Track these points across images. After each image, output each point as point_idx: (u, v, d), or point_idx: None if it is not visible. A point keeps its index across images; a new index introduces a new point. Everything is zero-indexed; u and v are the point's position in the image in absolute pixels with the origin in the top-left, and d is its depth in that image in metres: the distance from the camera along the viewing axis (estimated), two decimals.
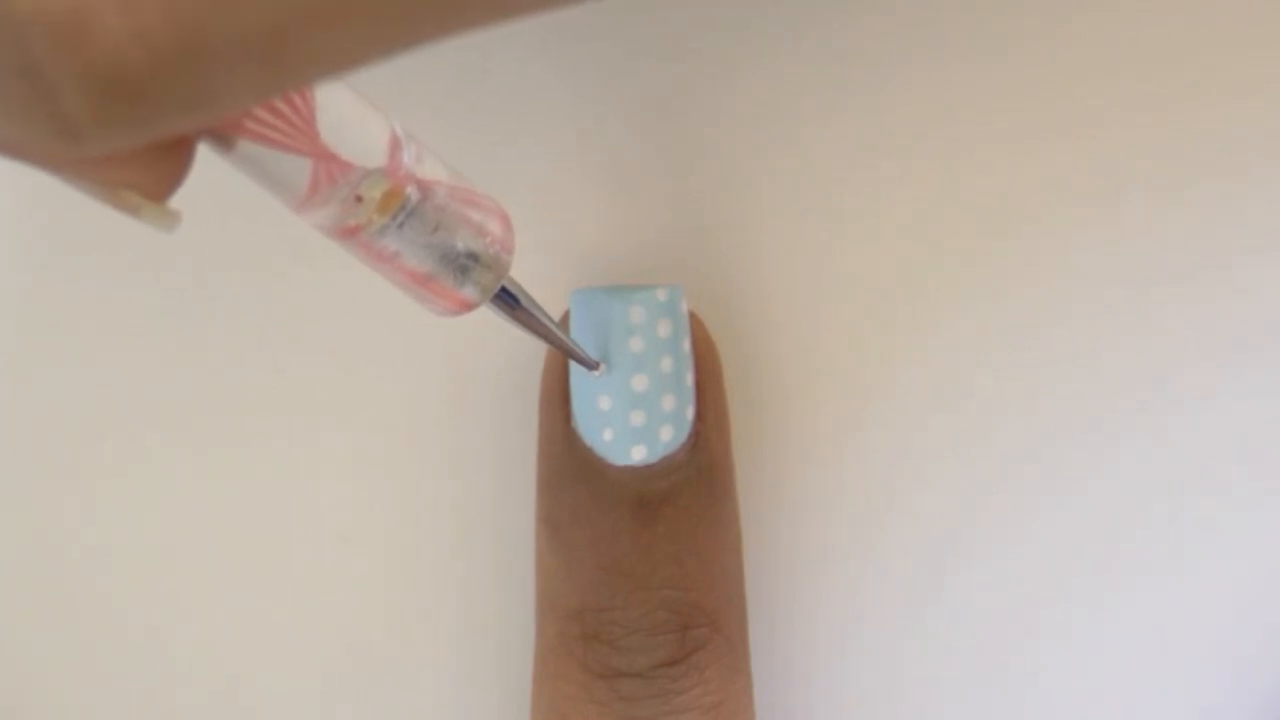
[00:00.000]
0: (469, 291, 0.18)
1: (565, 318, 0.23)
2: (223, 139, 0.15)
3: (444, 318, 0.19)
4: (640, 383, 0.22)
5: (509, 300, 0.19)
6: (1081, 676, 0.26)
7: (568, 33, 0.24)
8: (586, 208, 0.24)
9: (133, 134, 0.11)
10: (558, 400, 0.23)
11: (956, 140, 0.24)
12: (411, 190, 0.17)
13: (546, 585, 0.23)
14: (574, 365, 0.22)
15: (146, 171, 0.14)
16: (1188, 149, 0.24)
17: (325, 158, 0.16)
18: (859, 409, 0.25)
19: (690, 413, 0.22)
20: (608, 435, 0.22)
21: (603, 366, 0.22)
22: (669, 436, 0.22)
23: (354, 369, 0.25)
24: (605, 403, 0.22)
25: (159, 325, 0.25)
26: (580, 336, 0.22)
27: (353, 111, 0.16)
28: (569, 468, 0.22)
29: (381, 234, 0.17)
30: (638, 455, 0.22)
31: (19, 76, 0.10)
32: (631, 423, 0.22)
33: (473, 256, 0.18)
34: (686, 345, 0.22)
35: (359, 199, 0.16)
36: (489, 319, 0.25)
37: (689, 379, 0.22)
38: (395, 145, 0.16)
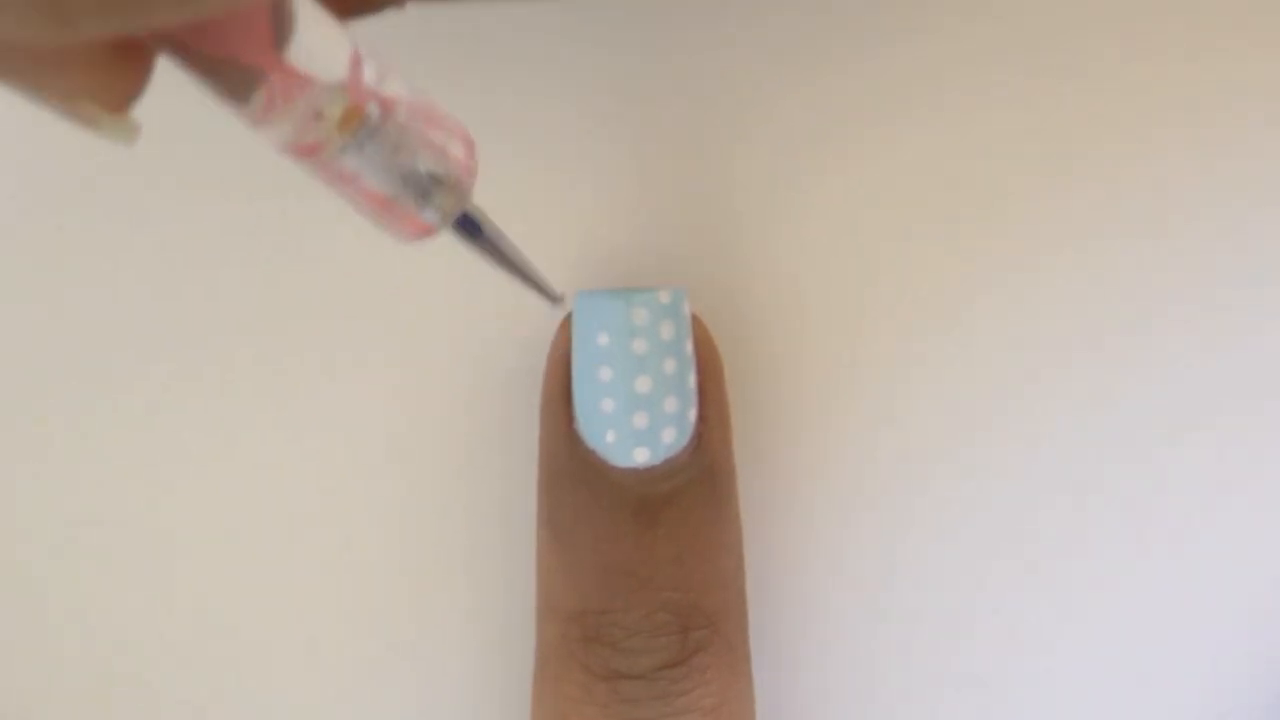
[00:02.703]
0: (429, 215, 0.18)
1: (568, 319, 0.23)
2: (182, 48, 0.15)
3: (408, 243, 0.18)
4: (643, 385, 0.22)
5: (471, 228, 0.19)
6: (1086, 676, 0.26)
7: (570, 34, 0.24)
8: (589, 210, 0.24)
9: (125, 20, 0.11)
10: (559, 402, 0.23)
11: (962, 142, 0.24)
12: (373, 108, 0.16)
13: (547, 587, 0.23)
14: (577, 370, 0.22)
15: (106, 82, 0.14)
16: (1185, 132, 0.24)
17: (283, 70, 0.15)
18: (861, 411, 0.25)
19: (692, 415, 0.22)
20: (610, 437, 0.22)
21: (565, 298, 0.21)
22: (671, 438, 0.22)
23: (354, 370, 0.25)
24: (608, 405, 0.22)
25: (159, 325, 0.25)
26: (583, 338, 0.22)
27: (313, 26, 0.16)
28: (570, 470, 0.22)
29: (341, 153, 0.16)
30: (640, 457, 0.22)
31: None
32: (634, 425, 0.22)
33: (434, 179, 0.17)
34: (689, 347, 0.22)
35: (319, 115, 0.16)
36: (490, 320, 0.25)
37: (691, 381, 0.22)
38: (356, 61, 0.16)
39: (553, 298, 0.21)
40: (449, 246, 0.22)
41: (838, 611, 0.26)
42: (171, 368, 0.25)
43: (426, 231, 0.18)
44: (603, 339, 0.22)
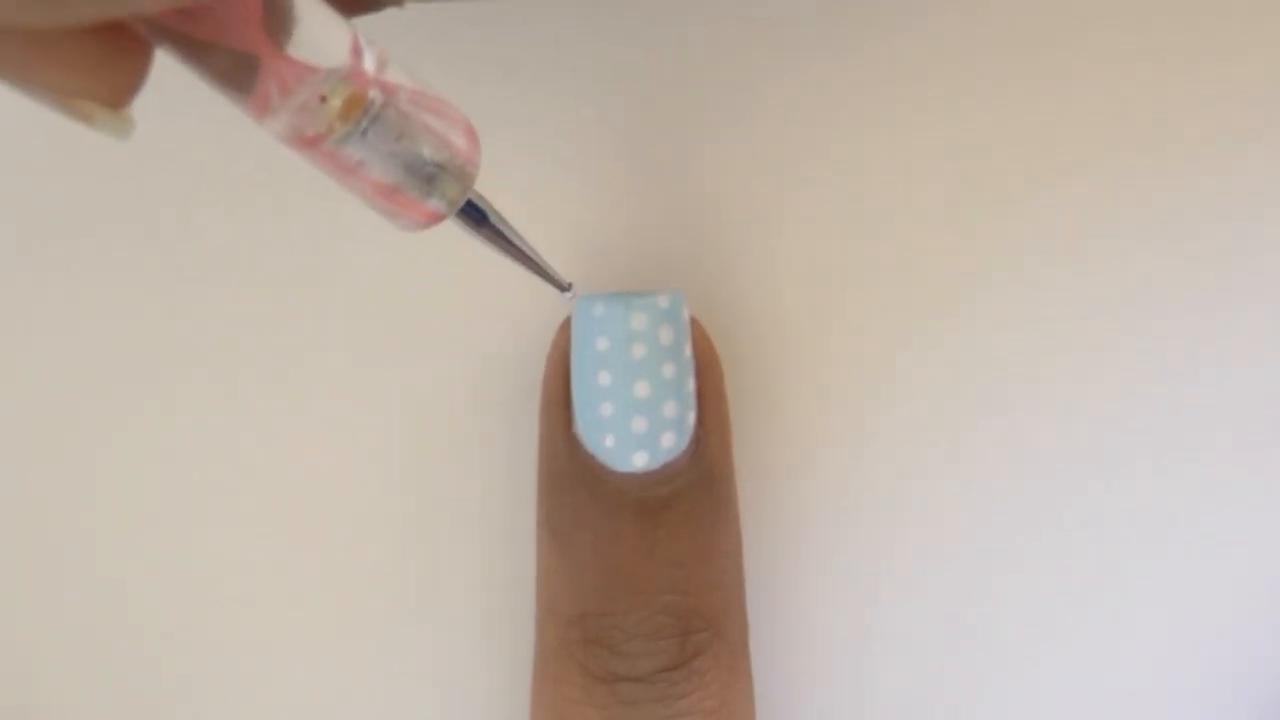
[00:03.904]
0: (435, 203, 0.18)
1: (566, 324, 0.23)
2: (174, 36, 0.15)
3: (415, 232, 0.18)
4: (642, 389, 0.22)
5: (476, 215, 0.19)
6: (1084, 677, 0.26)
7: (568, 35, 0.24)
8: (588, 214, 0.24)
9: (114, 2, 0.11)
10: (559, 406, 0.23)
11: (964, 142, 0.24)
12: (375, 94, 0.16)
13: (547, 590, 0.23)
14: (576, 375, 0.22)
15: (103, 79, 0.15)
16: (1186, 129, 0.24)
17: (281, 58, 0.15)
18: (860, 414, 0.25)
19: (691, 419, 0.22)
20: (609, 441, 0.22)
21: (575, 288, 0.21)
22: (670, 442, 0.22)
23: (354, 372, 0.25)
24: (607, 409, 0.22)
25: (161, 325, 0.25)
26: (582, 342, 0.22)
27: (312, 14, 0.16)
28: (570, 473, 0.22)
29: (344, 142, 0.16)
30: (640, 461, 0.22)
31: None
32: (633, 429, 0.22)
33: (439, 166, 0.17)
34: (688, 351, 0.22)
35: (321, 103, 0.16)
36: (490, 323, 0.25)
37: (690, 385, 0.22)
38: (356, 49, 0.16)
39: (561, 286, 0.21)
40: (449, 248, 0.22)
41: (837, 614, 0.26)
42: (173, 368, 0.25)
43: (433, 218, 0.18)
44: (602, 343, 0.22)
